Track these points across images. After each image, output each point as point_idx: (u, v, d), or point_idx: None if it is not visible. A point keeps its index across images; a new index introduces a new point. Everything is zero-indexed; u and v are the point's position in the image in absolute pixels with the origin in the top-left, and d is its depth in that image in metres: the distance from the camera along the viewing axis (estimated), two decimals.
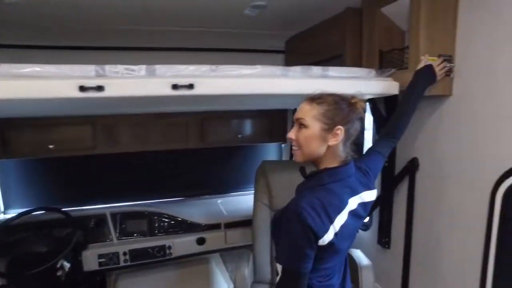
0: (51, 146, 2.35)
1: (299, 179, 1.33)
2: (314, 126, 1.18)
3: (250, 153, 3.23)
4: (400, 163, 1.98)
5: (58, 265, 2.15)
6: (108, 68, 1.27)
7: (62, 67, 1.23)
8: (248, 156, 3.22)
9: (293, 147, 1.26)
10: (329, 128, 1.18)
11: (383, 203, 2.13)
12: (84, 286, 2.49)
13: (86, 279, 2.48)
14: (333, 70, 1.52)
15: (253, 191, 2.26)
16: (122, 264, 2.40)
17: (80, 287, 2.45)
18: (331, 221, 1.15)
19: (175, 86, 1.29)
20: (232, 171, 3.19)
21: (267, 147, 3.31)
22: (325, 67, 1.51)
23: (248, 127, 2.82)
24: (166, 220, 2.61)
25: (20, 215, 2.27)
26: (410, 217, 1.93)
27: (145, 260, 2.46)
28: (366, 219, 2.36)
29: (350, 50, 1.97)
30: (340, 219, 1.18)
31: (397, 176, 2.00)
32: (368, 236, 2.33)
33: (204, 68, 1.36)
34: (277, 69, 1.43)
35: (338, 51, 2.04)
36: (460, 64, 1.56)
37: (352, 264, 1.97)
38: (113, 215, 2.52)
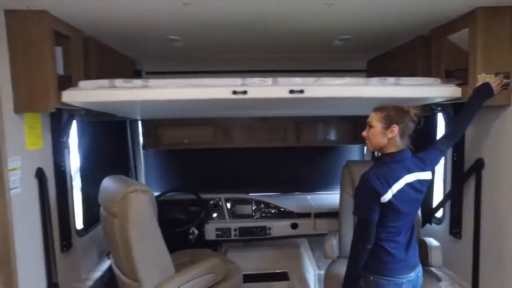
0: (185, 141, 3.25)
1: None
2: (378, 126, 1.77)
3: (336, 154, 3.76)
4: (468, 162, 2.31)
5: (191, 231, 2.93)
6: (249, 79, 1.96)
7: (222, 79, 1.96)
8: (334, 156, 3.75)
9: (366, 141, 1.85)
10: (387, 126, 1.74)
11: (454, 197, 2.45)
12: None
13: (206, 247, 3.21)
14: (404, 79, 2.00)
15: (339, 186, 2.78)
16: (233, 237, 3.09)
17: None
18: (390, 186, 1.69)
19: (291, 91, 1.92)
20: (321, 170, 3.74)
21: (351, 150, 3.81)
22: (397, 77, 2.00)
23: (335, 130, 3.40)
24: (266, 207, 3.25)
25: (168, 191, 3.14)
26: (478, 210, 2.20)
27: (250, 237, 3.11)
28: (439, 213, 2.67)
29: (421, 70, 2.40)
30: (397, 186, 1.70)
31: (465, 173, 2.32)
32: (441, 229, 2.63)
33: (310, 79, 1.98)
34: (361, 80, 2.01)
35: (411, 71, 2.48)
36: None
37: (423, 247, 2.31)
38: (226, 200, 3.26)
